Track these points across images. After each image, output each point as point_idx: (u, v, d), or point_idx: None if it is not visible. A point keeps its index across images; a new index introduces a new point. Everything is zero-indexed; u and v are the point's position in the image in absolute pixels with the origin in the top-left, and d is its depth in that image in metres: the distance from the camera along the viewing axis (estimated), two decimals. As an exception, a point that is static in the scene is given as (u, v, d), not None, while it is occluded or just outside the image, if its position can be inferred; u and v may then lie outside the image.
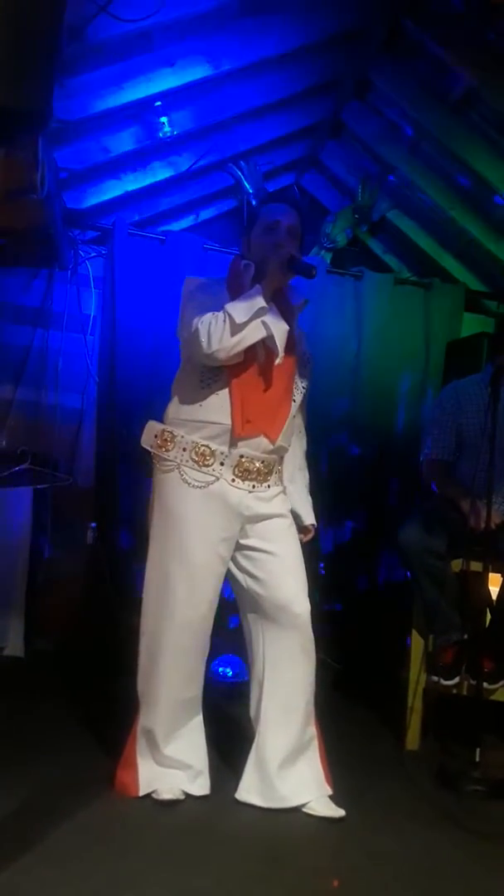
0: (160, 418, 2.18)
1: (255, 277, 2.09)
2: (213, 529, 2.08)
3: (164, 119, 3.09)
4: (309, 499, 2.33)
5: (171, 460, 2.10)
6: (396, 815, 2.17)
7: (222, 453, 2.08)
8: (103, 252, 3.76)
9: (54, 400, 3.74)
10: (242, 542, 2.14)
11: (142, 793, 2.08)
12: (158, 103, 3.06)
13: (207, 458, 2.07)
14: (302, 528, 2.28)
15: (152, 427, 2.16)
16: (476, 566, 2.65)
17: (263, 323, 2.01)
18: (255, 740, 2.14)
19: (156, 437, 2.13)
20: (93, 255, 3.77)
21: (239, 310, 1.98)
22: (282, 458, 2.22)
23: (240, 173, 3.84)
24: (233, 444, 2.08)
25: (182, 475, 2.08)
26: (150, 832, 1.94)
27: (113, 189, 3.61)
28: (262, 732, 2.13)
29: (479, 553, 2.58)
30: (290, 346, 2.13)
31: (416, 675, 2.66)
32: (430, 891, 1.81)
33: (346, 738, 2.59)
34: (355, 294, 4.08)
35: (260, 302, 1.99)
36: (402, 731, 2.68)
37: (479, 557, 2.62)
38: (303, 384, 2.23)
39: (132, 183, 3.62)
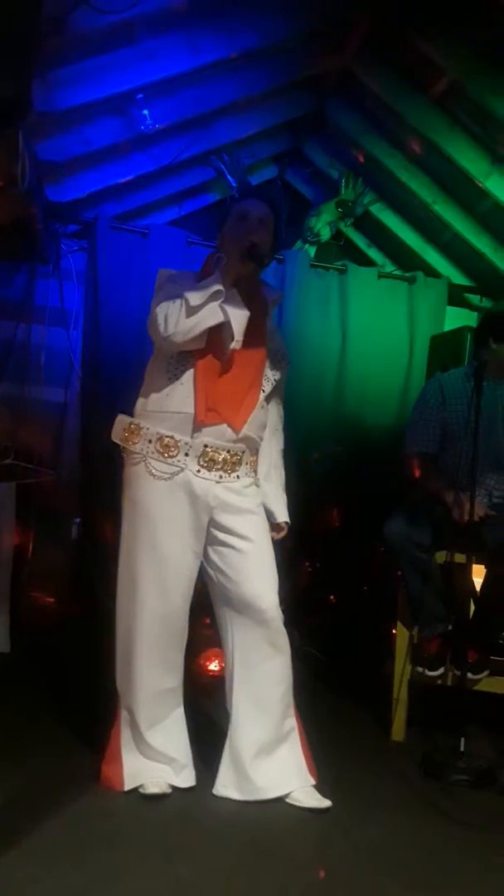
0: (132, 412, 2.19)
1: (227, 271, 2.07)
2: (179, 520, 2.08)
3: (145, 112, 3.07)
4: (283, 496, 2.32)
5: (137, 453, 2.10)
6: (382, 805, 2.18)
7: (186, 444, 2.07)
8: (85, 245, 3.73)
9: (37, 395, 3.72)
10: (212, 535, 2.13)
11: (127, 787, 2.08)
12: (140, 95, 3.03)
13: (171, 448, 2.07)
14: (274, 526, 2.28)
15: (121, 420, 2.17)
16: (460, 558, 2.67)
17: (221, 308, 2.01)
18: (228, 733, 2.15)
19: (124, 430, 2.14)
20: (75, 248, 3.75)
21: (194, 294, 1.98)
22: (254, 450, 2.20)
23: (222, 166, 3.82)
24: (196, 433, 2.07)
25: (148, 467, 2.08)
26: (136, 825, 1.94)
27: (95, 182, 3.59)
28: (234, 725, 2.14)
29: (463, 545, 2.60)
30: (260, 337, 2.14)
31: (402, 667, 2.68)
32: (417, 880, 1.82)
33: (332, 730, 2.59)
34: (339, 288, 4.08)
35: (216, 286, 1.99)
36: (387, 722, 2.70)
37: (462, 549, 2.64)
38: (274, 376, 2.22)
39: (114, 176, 3.60)
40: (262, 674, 2.12)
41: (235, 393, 2.11)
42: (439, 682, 2.66)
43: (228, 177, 3.96)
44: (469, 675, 2.54)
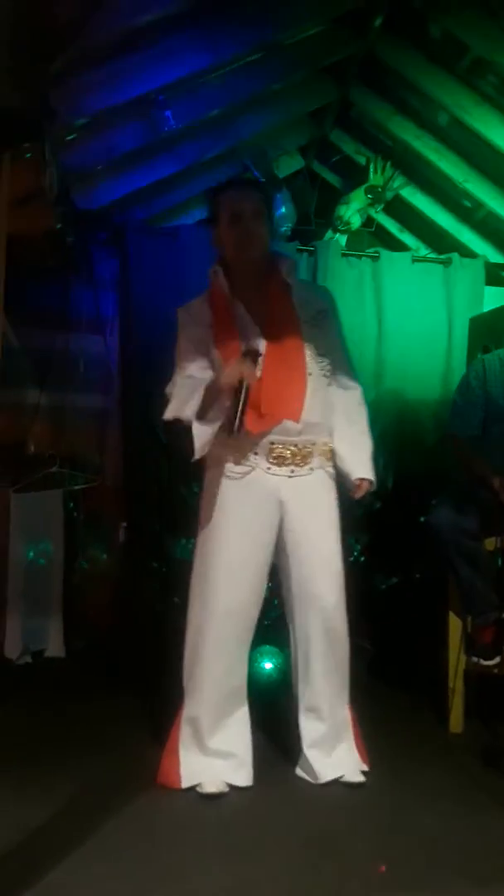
0: None
1: (228, 273, 2.15)
2: (252, 519, 2.11)
3: (168, 113, 3.07)
4: (362, 452, 2.23)
5: (213, 457, 2.14)
6: (442, 797, 2.15)
7: (254, 444, 2.10)
8: (116, 251, 3.76)
9: (79, 402, 3.76)
10: (283, 530, 2.16)
11: (185, 785, 2.09)
12: (161, 96, 3.04)
13: (243, 449, 2.10)
14: (349, 485, 2.21)
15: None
16: (511, 543, 2.62)
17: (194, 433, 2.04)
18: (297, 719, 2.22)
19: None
20: (106, 255, 3.77)
21: (172, 406, 2.08)
22: (326, 432, 2.18)
23: (248, 162, 3.81)
24: (259, 436, 2.09)
25: (222, 470, 2.13)
26: (195, 825, 1.95)
27: (122, 187, 3.61)
28: (301, 713, 2.21)
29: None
30: (289, 322, 2.12)
31: (456, 657, 2.63)
32: (479, 873, 1.78)
33: (388, 723, 2.57)
34: (373, 275, 4.03)
35: (187, 414, 2.03)
36: (444, 714, 2.65)
37: (513, 534, 2.58)
38: (319, 351, 2.17)
39: (140, 180, 3.61)
40: (321, 667, 2.17)
41: (280, 389, 2.10)
42: (496, 670, 2.60)
43: (255, 172, 3.94)
44: (526, 662, 2.49)
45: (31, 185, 2.79)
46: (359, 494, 2.23)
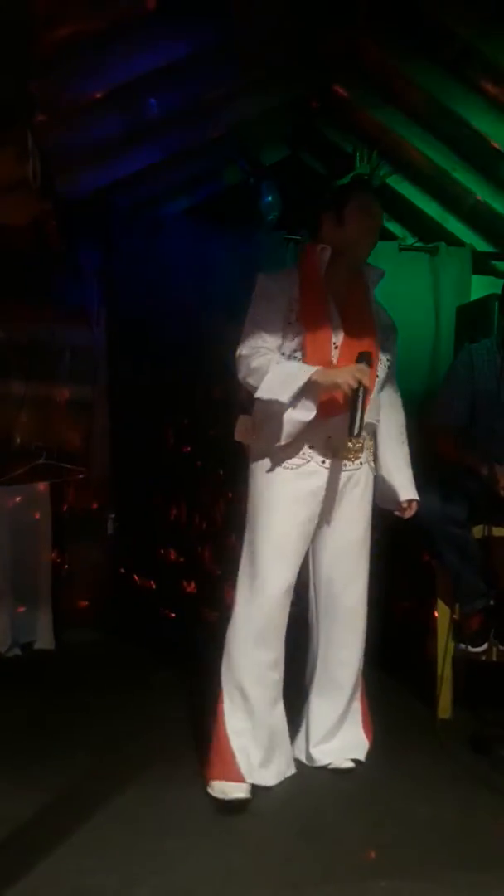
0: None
1: (331, 262, 2.17)
2: (301, 510, 2.14)
3: (152, 101, 3.04)
4: (409, 472, 2.33)
5: (262, 447, 2.15)
6: (432, 783, 2.17)
7: (310, 436, 2.11)
8: (101, 240, 3.72)
9: (65, 393, 3.73)
10: (322, 522, 2.20)
11: (245, 780, 2.04)
12: (145, 84, 3.00)
13: (298, 442, 2.10)
14: (398, 505, 2.31)
15: (244, 421, 2.23)
16: (499, 531, 2.62)
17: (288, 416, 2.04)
18: (305, 709, 2.29)
19: (247, 429, 2.21)
20: (90, 244, 3.74)
21: (268, 385, 2.03)
22: (373, 433, 2.25)
23: (233, 151, 3.78)
24: (320, 427, 2.10)
25: (274, 460, 2.13)
26: (186, 814, 1.96)
27: (105, 176, 3.57)
28: (310, 704, 2.29)
29: (501, 518, 2.55)
30: (367, 323, 2.19)
31: (444, 644, 2.65)
32: (468, 856, 1.80)
33: (379, 710, 2.57)
34: (360, 264, 4.01)
35: (284, 397, 1.99)
36: (433, 701, 2.67)
37: (501, 522, 2.59)
38: (386, 357, 2.25)
39: (123, 168, 3.57)
40: (340, 659, 2.26)
41: None
42: (483, 657, 2.62)
43: (240, 161, 3.91)
44: (514, 649, 2.50)
45: (14, 173, 2.76)
46: (408, 514, 2.34)
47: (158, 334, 3.65)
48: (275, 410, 2.04)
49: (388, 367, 2.28)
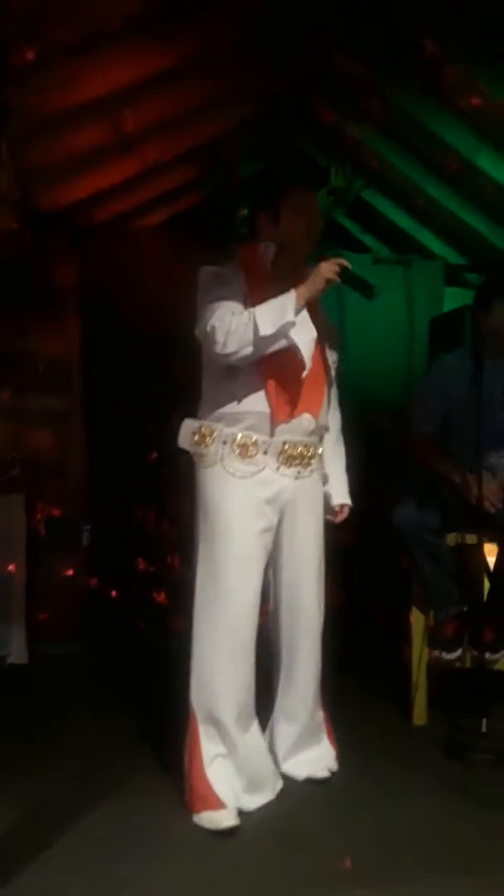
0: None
1: (276, 260, 2.10)
2: (258, 520, 2.04)
3: (127, 113, 3.06)
4: (345, 476, 2.32)
5: (212, 455, 2.05)
6: (407, 789, 2.18)
7: (264, 442, 2.04)
8: (76, 252, 3.72)
9: (40, 404, 3.72)
10: (280, 532, 2.13)
11: (230, 805, 1.97)
12: (121, 98, 3.02)
13: (250, 448, 2.02)
14: (329, 509, 2.27)
15: (188, 426, 2.11)
16: (471, 539, 2.66)
17: (291, 338, 1.94)
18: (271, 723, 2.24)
19: (193, 434, 2.08)
20: (66, 256, 3.74)
21: (266, 320, 1.90)
22: (321, 438, 2.20)
23: (209, 164, 3.81)
24: (274, 431, 2.04)
25: (225, 468, 2.03)
26: (164, 825, 1.94)
27: (82, 188, 3.57)
28: (276, 717, 2.24)
29: (474, 525, 2.58)
30: (318, 322, 2.06)
31: (419, 651, 2.66)
32: (444, 862, 1.81)
33: (353, 717, 2.59)
34: (334, 276, 4.06)
35: (290, 315, 1.90)
36: (408, 707, 2.69)
37: (473, 530, 2.63)
38: (332, 357, 2.21)
39: (100, 181, 3.58)
40: (302, 671, 2.20)
41: (308, 383, 2.07)
42: (458, 664, 2.64)
43: (216, 173, 3.94)
44: (487, 654, 2.53)
45: (-11, 185, 2.76)
46: (339, 518, 2.31)
47: (133, 346, 3.65)
48: (278, 345, 1.92)
49: (335, 368, 2.24)
